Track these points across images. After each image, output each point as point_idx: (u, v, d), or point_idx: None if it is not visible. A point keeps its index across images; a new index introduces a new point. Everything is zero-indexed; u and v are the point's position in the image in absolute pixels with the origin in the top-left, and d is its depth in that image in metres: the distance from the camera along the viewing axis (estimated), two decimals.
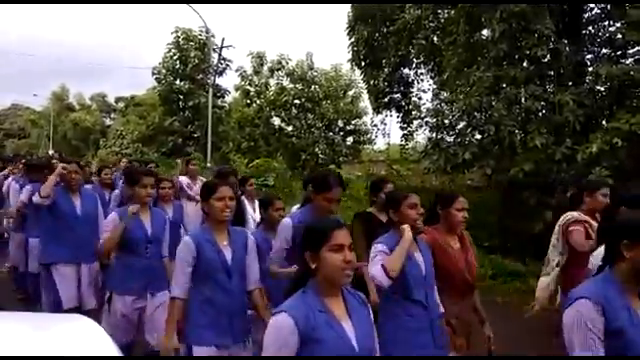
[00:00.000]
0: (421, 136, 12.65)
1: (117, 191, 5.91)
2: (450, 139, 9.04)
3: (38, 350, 1.65)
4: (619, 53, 8.04)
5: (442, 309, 2.88)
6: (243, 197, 5.17)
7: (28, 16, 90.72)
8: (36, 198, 4.24)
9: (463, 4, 8.52)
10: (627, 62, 7.51)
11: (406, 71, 12.44)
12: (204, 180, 6.76)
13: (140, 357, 3.21)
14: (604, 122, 7.67)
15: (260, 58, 22.95)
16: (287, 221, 3.09)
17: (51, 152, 31.58)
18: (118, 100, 43.24)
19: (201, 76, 22.81)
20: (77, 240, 4.25)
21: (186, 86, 22.76)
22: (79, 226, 4.30)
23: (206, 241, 2.79)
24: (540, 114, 7.95)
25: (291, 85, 22.76)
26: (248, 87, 23.02)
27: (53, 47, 78.06)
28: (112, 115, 44.88)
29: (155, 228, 3.78)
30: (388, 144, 17.83)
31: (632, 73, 6.88)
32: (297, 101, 22.53)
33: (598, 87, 7.79)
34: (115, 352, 1.81)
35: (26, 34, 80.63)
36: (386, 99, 12.65)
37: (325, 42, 63.46)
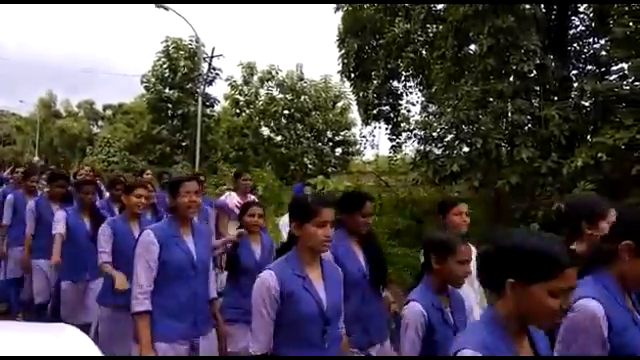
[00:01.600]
0: (409, 148, 12.76)
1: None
2: (438, 151, 9.14)
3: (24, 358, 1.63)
4: (603, 69, 8.21)
5: None
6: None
7: (16, 22, 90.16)
8: (149, 238, 2.77)
9: (451, 19, 8.66)
10: (611, 78, 7.66)
11: (395, 84, 12.56)
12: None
13: (134, 357, 3.13)
14: (589, 137, 7.80)
15: (250, 68, 23.02)
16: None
17: (36, 159, 31.23)
18: (106, 108, 43.01)
19: (190, 85, 22.78)
20: (195, 304, 2.83)
21: (175, 94, 22.71)
22: (195, 281, 2.86)
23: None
24: (526, 128, 8.07)
25: (281, 95, 22.83)
26: (238, 97, 23.05)
27: (41, 54, 77.56)
28: (99, 123, 44.57)
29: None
30: (377, 155, 17.94)
31: (616, 89, 7.02)
32: (286, 111, 22.60)
33: (583, 102, 7.94)
34: None
35: (14, 40, 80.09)
36: (375, 111, 12.74)
37: (315, 54, 63.88)
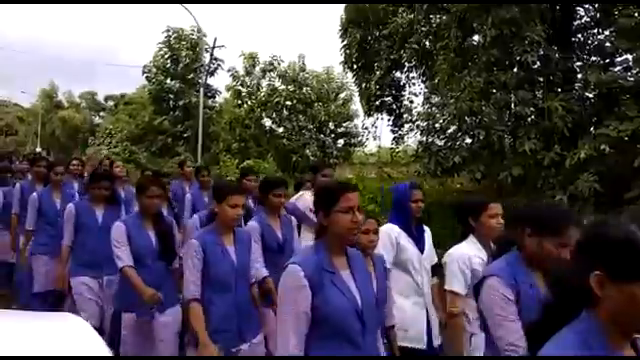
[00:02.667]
0: (412, 139, 12.71)
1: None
2: (441, 143, 9.11)
3: (27, 348, 1.64)
4: (608, 61, 8.15)
5: None
6: None
7: (19, 13, 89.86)
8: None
9: (455, 10, 8.59)
10: (615, 70, 7.61)
11: (398, 75, 12.49)
12: None
13: (136, 357, 3.10)
14: (592, 128, 7.77)
15: (252, 59, 22.91)
16: None
17: (38, 149, 31.26)
18: (107, 98, 42.91)
19: (192, 76, 22.72)
20: None
21: (177, 85, 22.66)
22: (363, 337, 2.13)
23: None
24: (530, 119, 8.04)
25: (283, 86, 22.73)
26: (239, 88, 22.97)
27: (43, 44, 77.32)
28: (101, 113, 44.49)
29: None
30: (379, 147, 17.88)
31: (620, 81, 6.98)
32: (288, 102, 22.51)
33: (587, 94, 7.91)
34: (105, 351, 1.80)
35: (16, 31, 79.81)
36: (377, 102, 12.69)
37: (317, 44, 63.58)
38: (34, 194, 4.79)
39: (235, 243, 2.89)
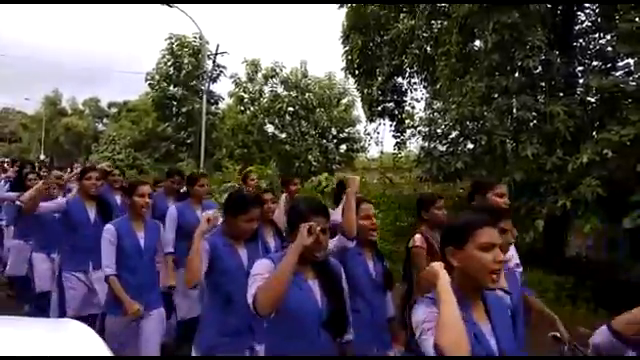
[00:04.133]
0: (414, 145, 12.74)
1: None
2: (443, 148, 9.11)
3: (30, 354, 1.64)
4: (609, 65, 8.14)
5: None
6: None
7: (22, 20, 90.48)
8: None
9: (456, 15, 8.61)
10: (617, 74, 7.60)
11: (399, 80, 12.51)
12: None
13: (138, 357, 3.09)
14: (594, 133, 7.75)
15: (254, 65, 23.02)
16: None
17: (42, 157, 31.39)
18: (111, 105, 43.14)
19: (195, 82, 22.82)
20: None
21: (180, 92, 22.75)
22: None
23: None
24: (531, 124, 8.02)
25: (285, 92, 22.83)
26: (242, 94, 23.06)
27: (46, 51, 77.83)
28: (105, 120, 44.71)
29: None
30: (381, 152, 17.88)
31: (622, 85, 6.97)
32: (291, 108, 22.60)
33: (589, 98, 7.88)
34: (109, 356, 1.81)
35: (19, 38, 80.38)
36: (379, 108, 12.71)
37: (319, 50, 63.69)
38: (109, 226, 3.47)
39: (374, 259, 2.48)
